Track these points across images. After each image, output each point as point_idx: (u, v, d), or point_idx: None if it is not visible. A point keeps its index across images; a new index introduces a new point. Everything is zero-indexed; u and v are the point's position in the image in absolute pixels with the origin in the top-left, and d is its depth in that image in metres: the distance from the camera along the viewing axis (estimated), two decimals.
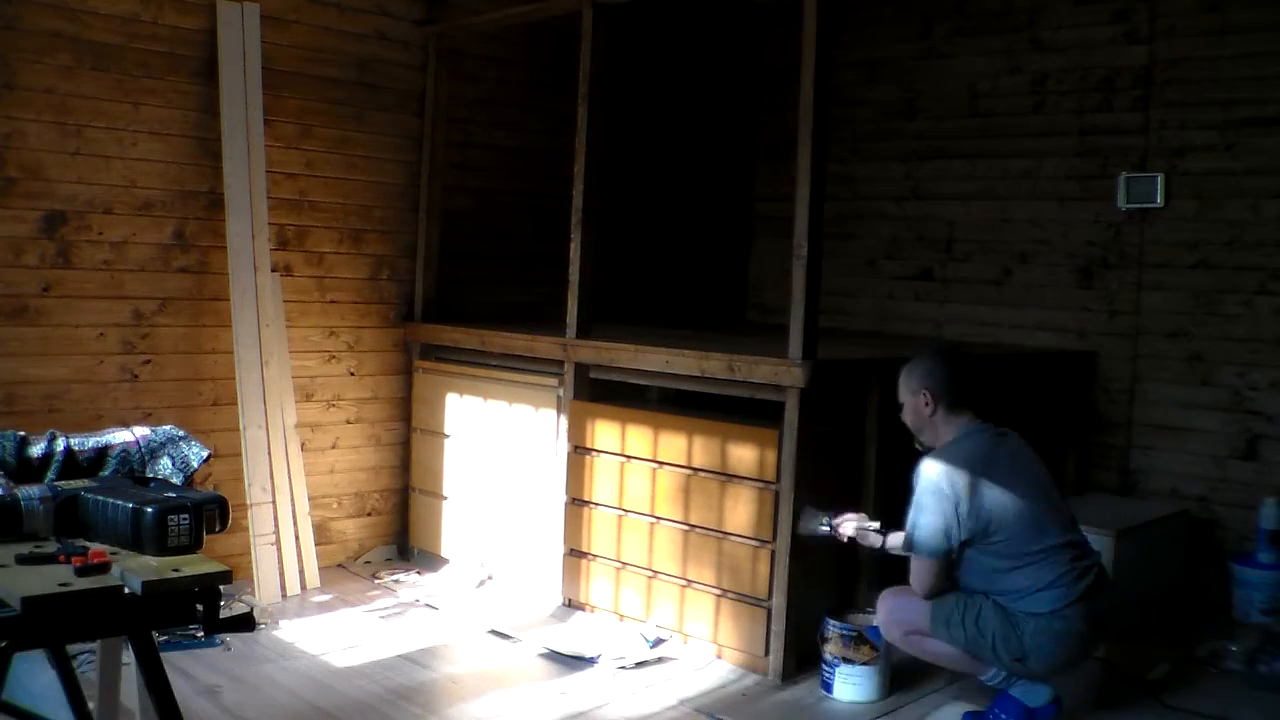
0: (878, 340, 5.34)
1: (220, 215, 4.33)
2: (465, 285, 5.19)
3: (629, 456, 4.12)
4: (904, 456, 4.05)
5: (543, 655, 3.86)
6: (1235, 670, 3.82)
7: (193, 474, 2.51)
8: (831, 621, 3.57)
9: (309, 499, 4.59)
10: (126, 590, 1.91)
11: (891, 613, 3.37)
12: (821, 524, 3.57)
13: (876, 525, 3.55)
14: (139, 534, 2.03)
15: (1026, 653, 3.15)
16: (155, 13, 4.16)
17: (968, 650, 3.23)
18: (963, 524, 3.14)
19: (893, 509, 4.00)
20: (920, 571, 3.22)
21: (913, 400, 3.36)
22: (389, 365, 5.01)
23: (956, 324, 5.54)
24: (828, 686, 3.56)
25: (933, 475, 3.19)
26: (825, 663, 3.57)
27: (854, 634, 3.52)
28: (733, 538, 3.81)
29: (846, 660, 3.52)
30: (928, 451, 3.32)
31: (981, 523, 3.14)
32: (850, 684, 3.53)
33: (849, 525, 3.55)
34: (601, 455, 4.20)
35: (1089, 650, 3.32)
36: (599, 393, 4.32)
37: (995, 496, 3.15)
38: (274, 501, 4.36)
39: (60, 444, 2.40)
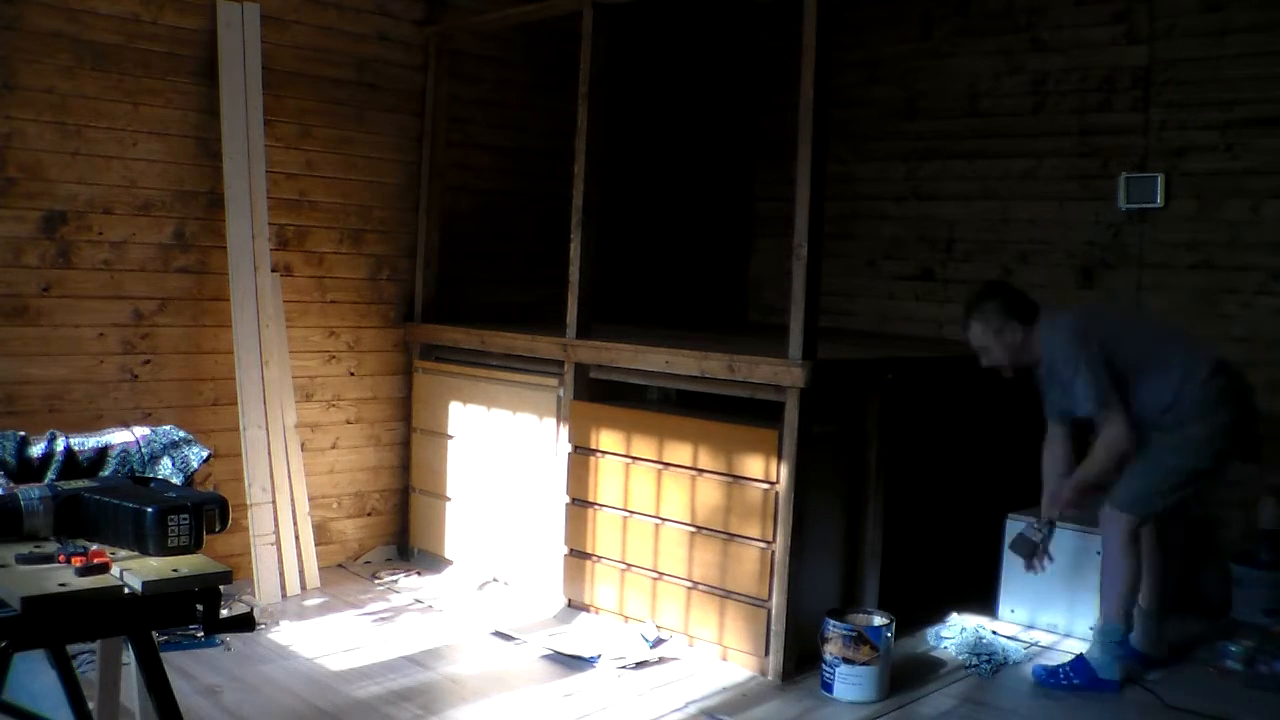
0: (878, 340, 5.34)
1: (220, 215, 4.33)
2: (465, 285, 5.19)
3: (629, 457, 4.11)
4: (903, 456, 4.07)
5: (545, 656, 3.86)
6: (1235, 670, 3.82)
7: (193, 474, 2.51)
8: (831, 622, 3.57)
9: (309, 499, 4.59)
10: (126, 590, 1.91)
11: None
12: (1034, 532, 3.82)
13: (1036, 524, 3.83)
14: (139, 534, 2.03)
15: (1205, 413, 3.51)
16: (155, 13, 4.16)
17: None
18: (1104, 357, 3.52)
19: (893, 508, 4.02)
20: (1111, 425, 3.52)
21: (1001, 339, 3.70)
22: (389, 365, 5.01)
23: (957, 324, 5.50)
24: (828, 687, 3.56)
25: (1068, 334, 3.58)
26: (825, 663, 3.57)
27: (854, 634, 3.52)
28: (732, 538, 3.81)
29: (847, 660, 3.52)
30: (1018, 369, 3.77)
31: (1110, 351, 3.54)
32: (850, 684, 3.53)
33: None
34: (602, 456, 4.20)
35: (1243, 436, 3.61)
36: (599, 393, 4.32)
37: (1112, 329, 3.64)
38: (274, 501, 4.36)
39: (60, 444, 2.40)
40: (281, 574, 4.36)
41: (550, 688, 3.59)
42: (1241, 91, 4.64)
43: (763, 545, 3.72)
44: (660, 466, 4.02)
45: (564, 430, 4.35)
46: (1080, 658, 3.68)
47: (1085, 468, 3.65)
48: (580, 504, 4.28)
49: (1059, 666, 3.68)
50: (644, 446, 4.07)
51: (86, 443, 2.43)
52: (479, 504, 4.74)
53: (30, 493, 2.09)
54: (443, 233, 5.03)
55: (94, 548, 2.02)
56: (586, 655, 3.82)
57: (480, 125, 5.24)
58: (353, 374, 4.89)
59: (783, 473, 3.67)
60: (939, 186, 5.64)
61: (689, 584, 3.94)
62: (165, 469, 2.46)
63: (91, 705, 2.46)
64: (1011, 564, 4.24)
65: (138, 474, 2.42)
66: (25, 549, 2.00)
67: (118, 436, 2.47)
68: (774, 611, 3.69)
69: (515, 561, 4.58)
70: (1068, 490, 3.68)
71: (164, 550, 2.02)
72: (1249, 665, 3.78)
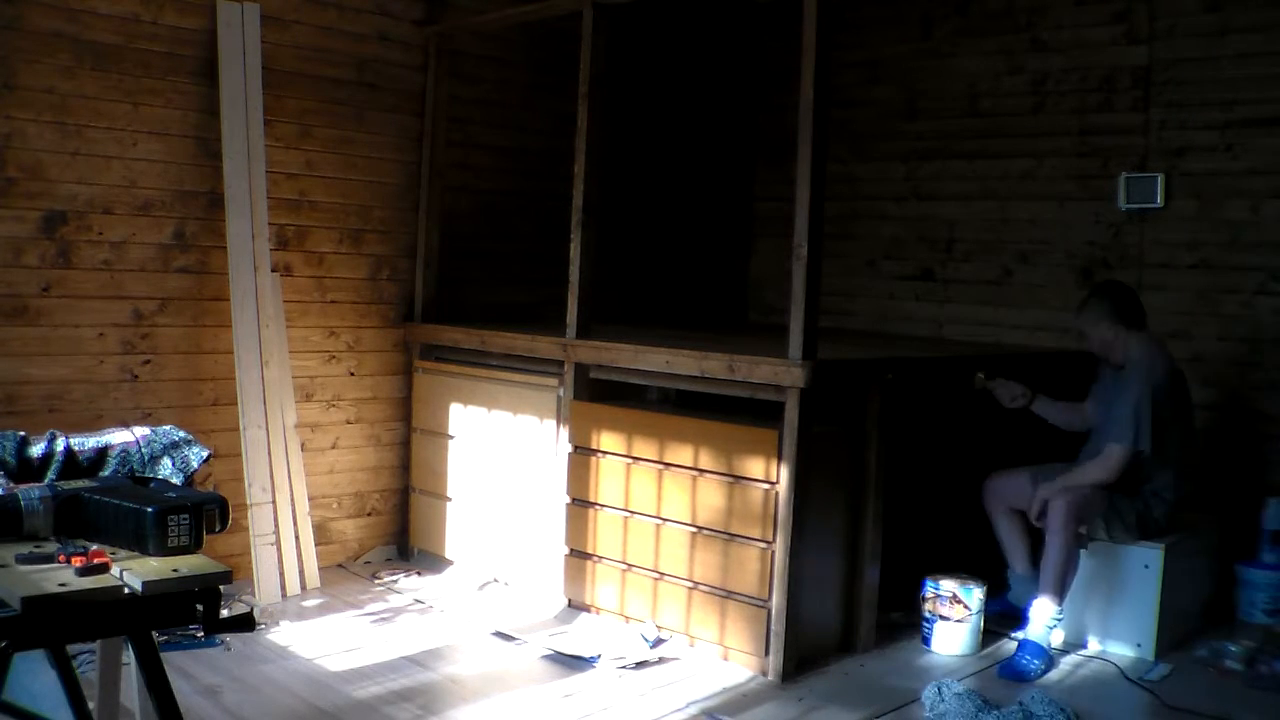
0: (878, 340, 5.34)
1: (220, 215, 4.33)
2: (465, 285, 5.19)
3: (629, 457, 4.11)
4: (903, 456, 4.07)
5: (545, 656, 3.86)
6: (1235, 670, 3.82)
7: (193, 474, 2.51)
8: (929, 582, 3.97)
9: (309, 499, 4.58)
10: (126, 590, 1.91)
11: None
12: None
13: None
14: (139, 534, 2.03)
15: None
16: (155, 13, 4.16)
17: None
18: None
19: (893, 508, 4.02)
20: (1119, 457, 3.91)
21: (1106, 334, 4.07)
22: (389, 365, 5.01)
23: (957, 324, 5.54)
24: (926, 640, 3.98)
25: (1155, 364, 3.96)
26: (925, 619, 3.97)
27: (949, 595, 3.91)
28: (733, 539, 3.81)
29: (943, 618, 3.92)
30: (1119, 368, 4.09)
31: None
32: (946, 639, 3.93)
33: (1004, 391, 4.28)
34: (602, 456, 4.20)
35: None
36: (599, 393, 4.32)
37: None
38: (274, 501, 4.36)
39: (60, 444, 2.40)
40: (281, 574, 4.36)
41: (550, 688, 3.59)
42: (1241, 91, 4.64)
43: (763, 545, 3.72)
44: (660, 467, 4.02)
45: (564, 430, 4.35)
46: (1026, 640, 3.86)
47: (1083, 476, 4.00)
48: (581, 504, 4.28)
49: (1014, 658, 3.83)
50: (644, 447, 4.07)
51: (86, 443, 2.43)
52: (479, 504, 4.74)
53: (30, 493, 2.09)
54: (443, 233, 5.03)
55: (94, 548, 2.02)
56: (587, 655, 3.82)
57: (480, 125, 5.24)
58: (353, 374, 4.89)
59: (783, 473, 3.67)
60: (939, 186, 5.64)
61: (689, 584, 3.94)
62: (165, 469, 2.46)
63: (91, 705, 2.46)
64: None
65: (138, 474, 2.42)
66: (25, 549, 2.00)
67: (118, 436, 2.48)
68: (774, 612, 3.69)
69: (516, 561, 4.58)
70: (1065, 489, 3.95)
71: (164, 550, 2.02)
72: (1249, 665, 3.78)
